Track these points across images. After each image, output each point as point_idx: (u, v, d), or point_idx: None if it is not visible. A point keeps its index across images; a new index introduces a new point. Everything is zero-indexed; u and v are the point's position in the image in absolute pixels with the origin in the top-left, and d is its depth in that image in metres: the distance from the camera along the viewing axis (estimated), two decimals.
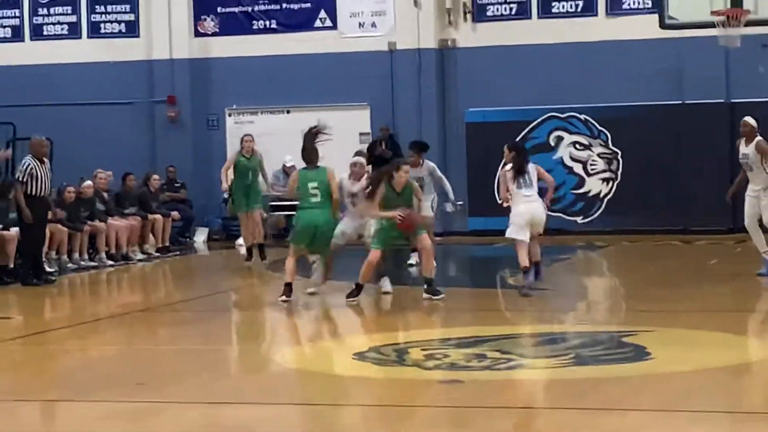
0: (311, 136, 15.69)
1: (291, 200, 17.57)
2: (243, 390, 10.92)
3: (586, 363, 11.72)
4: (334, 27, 26.69)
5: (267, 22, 27.09)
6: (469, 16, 26.29)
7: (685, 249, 22.88)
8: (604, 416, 9.52)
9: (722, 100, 24.65)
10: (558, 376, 11.21)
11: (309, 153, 15.67)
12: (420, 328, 14.34)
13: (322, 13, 26.77)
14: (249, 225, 20.90)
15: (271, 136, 25.92)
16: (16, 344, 13.95)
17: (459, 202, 25.12)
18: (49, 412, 10.42)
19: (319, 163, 15.65)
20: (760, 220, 16.74)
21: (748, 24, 21.05)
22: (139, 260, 22.73)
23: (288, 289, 15.44)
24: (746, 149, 16.83)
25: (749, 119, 17.11)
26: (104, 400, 10.39)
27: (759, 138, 16.88)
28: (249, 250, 20.87)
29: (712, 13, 20.60)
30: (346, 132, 26.29)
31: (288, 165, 25.25)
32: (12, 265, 19.16)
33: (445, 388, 10.72)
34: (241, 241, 21.73)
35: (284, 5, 27.00)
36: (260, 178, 21.17)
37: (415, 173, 18.04)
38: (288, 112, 26.70)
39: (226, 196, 21.94)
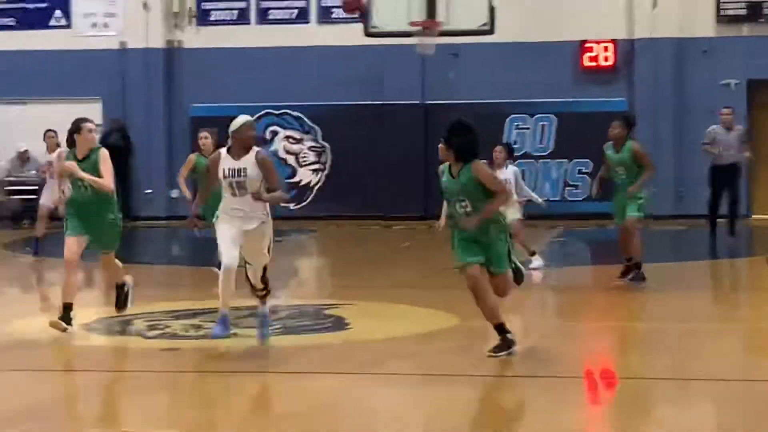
0: None
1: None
2: None
3: (292, 332, 11.84)
4: (69, 26, 26.19)
5: (5, 20, 26.36)
6: (194, 20, 26.18)
7: (384, 233, 23.29)
8: (307, 379, 9.64)
9: (418, 102, 25.17)
10: (267, 344, 11.28)
11: None
12: (143, 302, 14.20)
13: (58, 13, 26.21)
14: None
15: (9, 126, 25.50)
16: None
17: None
18: None
19: None
20: None
21: (442, 34, 21.59)
22: None
23: None
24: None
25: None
26: None
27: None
28: None
29: (411, 23, 21.05)
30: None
31: (22, 151, 25.16)
32: None
33: (164, 354, 10.68)
34: None
35: (22, 4, 26.33)
36: None
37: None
38: (25, 104, 26.04)
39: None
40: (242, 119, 10.86)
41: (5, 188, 25.52)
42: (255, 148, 10.74)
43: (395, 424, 8.41)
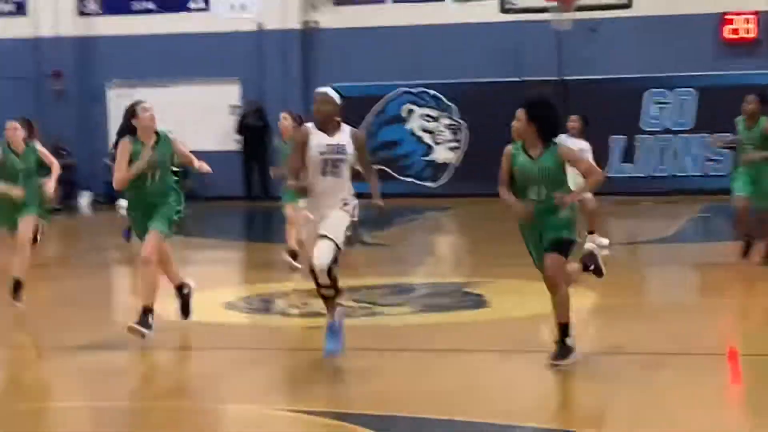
0: None
1: None
2: (117, 338, 10.88)
3: (433, 310, 11.85)
4: (208, 9, 26.53)
5: (146, 4, 26.81)
6: (330, 0, 26.33)
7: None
8: (451, 357, 9.64)
9: (555, 78, 24.97)
10: (408, 322, 11.32)
11: None
12: (283, 281, 14.37)
13: None
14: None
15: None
16: None
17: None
18: None
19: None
20: None
21: (578, 9, 21.45)
22: None
23: None
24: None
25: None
26: None
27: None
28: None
29: None
30: (218, 104, 26.27)
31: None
32: None
33: (308, 332, 10.77)
34: (123, 203, 21.29)
35: None
36: None
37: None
38: (166, 86, 26.45)
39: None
40: (317, 91, 9.58)
41: None
42: (345, 125, 9.45)
43: (539, 403, 8.39)
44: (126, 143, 10.31)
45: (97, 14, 26.86)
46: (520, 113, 9.22)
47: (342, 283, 12.18)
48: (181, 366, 9.80)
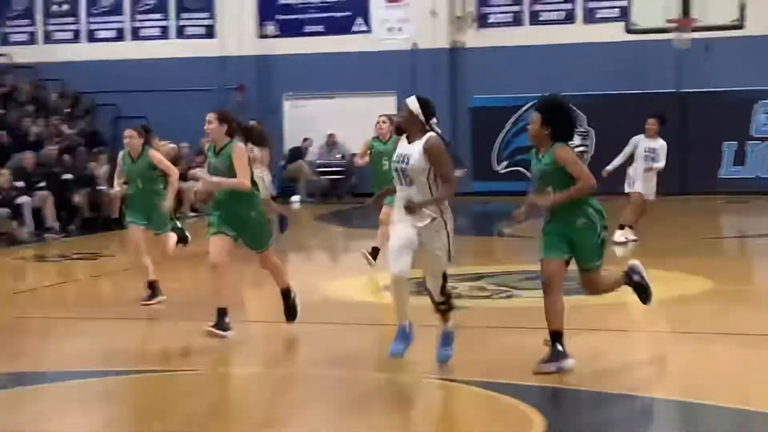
0: None
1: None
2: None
3: (569, 294, 11.66)
4: (369, 31, 26.66)
5: (316, 27, 27.07)
6: (475, 23, 26.23)
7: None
8: (583, 335, 9.51)
9: (674, 90, 24.48)
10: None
11: None
12: None
13: (359, 21, 26.71)
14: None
15: (319, 117, 26.22)
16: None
17: (464, 169, 25.13)
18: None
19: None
20: None
21: (695, 30, 20.99)
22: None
23: None
24: None
25: None
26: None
27: None
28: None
29: (667, 21, 20.55)
30: (377, 115, 26.28)
31: (329, 135, 26.21)
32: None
33: (455, 312, 10.69)
34: (296, 198, 21.55)
35: (329, 14, 26.95)
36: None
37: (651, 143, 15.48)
38: (332, 98, 26.66)
39: None
40: None
41: (317, 169, 26.24)
42: (429, 133, 8.12)
43: (654, 377, 8.21)
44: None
45: (275, 36, 27.19)
46: (536, 117, 8.08)
47: (484, 269, 12.13)
48: (344, 338, 9.80)
